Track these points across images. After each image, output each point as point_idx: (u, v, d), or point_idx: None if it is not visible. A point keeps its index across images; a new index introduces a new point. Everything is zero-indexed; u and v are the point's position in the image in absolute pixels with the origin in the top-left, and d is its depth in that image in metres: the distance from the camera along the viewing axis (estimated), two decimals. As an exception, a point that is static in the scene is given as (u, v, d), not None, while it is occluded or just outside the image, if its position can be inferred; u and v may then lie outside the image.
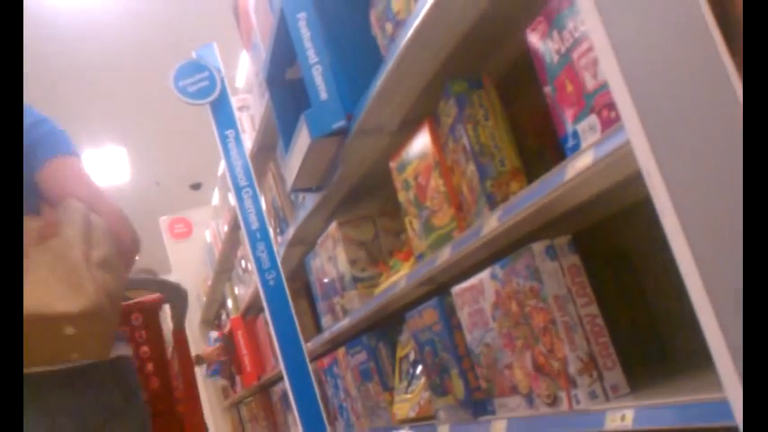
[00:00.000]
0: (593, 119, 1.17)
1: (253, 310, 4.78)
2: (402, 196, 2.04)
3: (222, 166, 3.68)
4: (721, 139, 0.94)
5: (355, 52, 2.12)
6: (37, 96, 7.76)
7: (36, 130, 1.71)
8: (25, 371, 1.56)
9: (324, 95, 2.15)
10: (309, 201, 2.79)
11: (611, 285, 1.71)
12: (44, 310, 1.46)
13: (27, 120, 1.71)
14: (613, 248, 1.81)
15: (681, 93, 0.98)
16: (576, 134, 1.23)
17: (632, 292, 1.75)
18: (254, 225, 3.22)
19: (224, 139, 3.28)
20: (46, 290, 1.48)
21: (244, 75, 4.28)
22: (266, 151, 3.50)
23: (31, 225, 1.56)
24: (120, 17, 6.49)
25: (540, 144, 1.75)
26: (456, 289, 1.74)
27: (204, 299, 6.86)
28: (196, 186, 10.20)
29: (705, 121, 0.96)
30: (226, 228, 5.08)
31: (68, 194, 1.63)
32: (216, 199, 6.47)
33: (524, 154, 1.64)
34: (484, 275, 1.59)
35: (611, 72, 0.97)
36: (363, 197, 2.72)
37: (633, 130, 0.95)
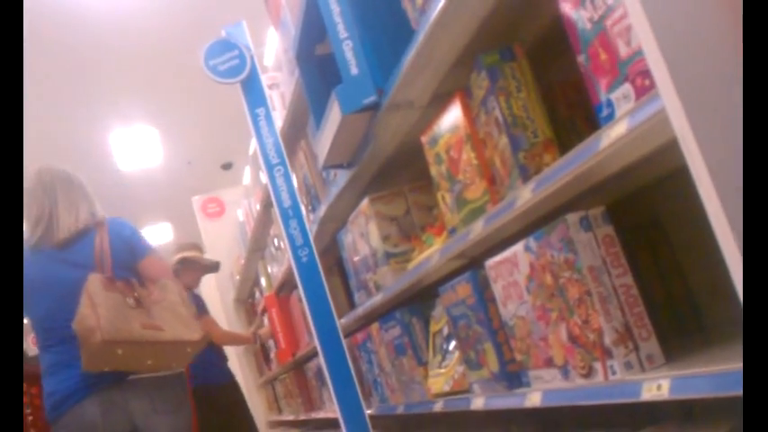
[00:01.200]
0: (627, 87, 1.16)
1: (286, 287, 4.81)
2: (434, 170, 2.03)
3: (253, 144, 3.70)
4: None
5: (385, 26, 2.12)
6: (70, 79, 7.83)
7: (133, 237, 2.85)
8: (141, 375, 2.67)
9: (354, 71, 2.15)
10: (341, 177, 2.79)
11: (645, 256, 1.70)
12: (181, 338, 2.60)
13: (126, 231, 2.85)
14: (647, 218, 1.79)
15: (715, 58, 0.97)
16: (610, 103, 1.22)
17: (667, 263, 1.74)
18: (287, 203, 3.23)
19: (255, 117, 3.29)
20: (176, 328, 2.61)
21: (272, 52, 4.28)
22: (297, 129, 3.51)
23: (142, 292, 2.66)
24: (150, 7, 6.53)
25: (572, 114, 1.74)
26: (490, 262, 1.74)
27: (237, 277, 6.92)
28: (227, 166, 10.27)
29: (740, 87, 0.95)
30: (258, 206, 5.11)
31: (161, 276, 2.79)
32: (247, 178, 6.51)
33: (556, 125, 1.63)
34: (518, 248, 1.59)
35: (645, 38, 0.96)
36: (395, 172, 2.72)
37: (668, 97, 0.95)
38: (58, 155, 8.84)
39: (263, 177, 3.57)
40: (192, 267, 5.55)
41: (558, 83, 1.75)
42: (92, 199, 2.87)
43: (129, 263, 2.77)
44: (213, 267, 5.61)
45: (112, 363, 2.53)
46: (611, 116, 1.22)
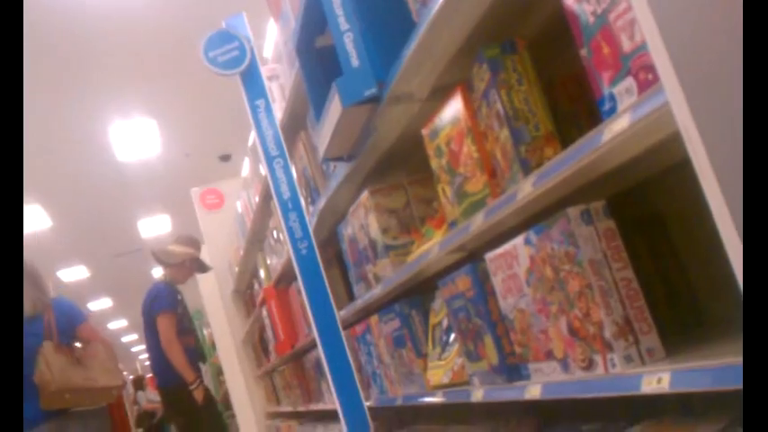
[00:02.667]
0: (629, 81, 1.16)
1: (285, 279, 4.82)
2: (434, 163, 2.04)
3: (252, 136, 3.70)
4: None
5: (387, 18, 2.11)
6: (68, 71, 7.80)
7: (71, 310, 4.17)
8: (79, 408, 3.96)
9: (355, 63, 2.15)
10: (341, 170, 2.79)
11: (646, 250, 1.70)
12: (108, 384, 3.99)
13: (66, 307, 4.16)
14: (649, 212, 1.80)
15: (719, 52, 0.97)
16: (612, 97, 1.22)
17: (668, 257, 1.75)
18: (286, 195, 3.23)
19: (254, 109, 3.28)
20: (105, 377, 3.97)
21: (272, 44, 4.28)
22: (297, 121, 3.51)
23: (80, 352, 3.99)
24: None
25: (574, 108, 1.74)
26: (490, 255, 1.74)
27: (236, 269, 6.92)
28: (225, 158, 10.27)
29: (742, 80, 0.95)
30: (257, 198, 5.11)
31: (92, 339, 4.14)
32: (246, 170, 6.50)
33: (558, 118, 1.63)
34: (518, 241, 1.59)
35: (649, 32, 0.96)
36: (395, 165, 2.72)
37: (672, 91, 0.95)
38: (56, 146, 8.86)
39: (263, 169, 3.57)
40: (194, 267, 5.63)
41: (559, 76, 1.75)
42: (40, 284, 4.09)
43: (69, 330, 4.07)
44: (207, 269, 5.84)
45: (62, 404, 3.85)
46: (613, 110, 1.22)
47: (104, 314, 20.02)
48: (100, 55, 7.23)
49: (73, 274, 15.01)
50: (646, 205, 1.81)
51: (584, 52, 1.29)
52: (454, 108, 1.84)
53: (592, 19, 1.24)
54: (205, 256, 6.37)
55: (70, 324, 4.08)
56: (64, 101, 8.02)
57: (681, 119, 0.94)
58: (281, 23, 3.47)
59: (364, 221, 2.68)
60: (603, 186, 1.61)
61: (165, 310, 5.15)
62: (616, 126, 1.17)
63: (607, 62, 1.22)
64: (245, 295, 7.44)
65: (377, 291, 2.66)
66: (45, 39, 6.70)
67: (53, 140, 8.78)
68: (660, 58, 0.95)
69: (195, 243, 5.72)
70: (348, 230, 2.95)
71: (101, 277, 15.80)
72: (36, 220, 11.24)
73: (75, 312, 4.21)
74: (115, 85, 7.94)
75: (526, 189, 1.52)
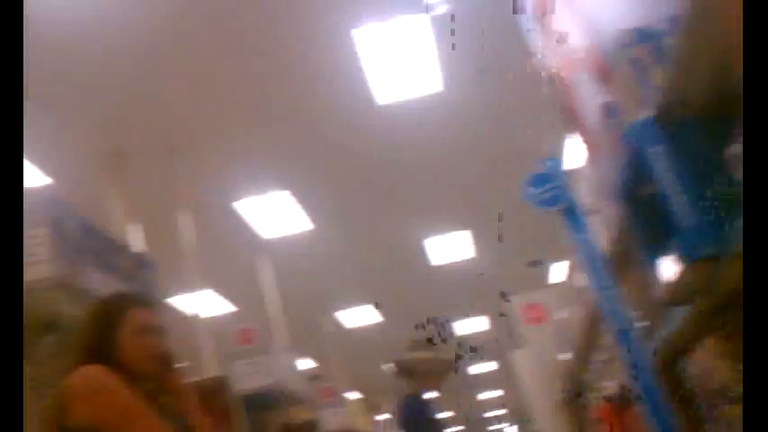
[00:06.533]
0: None
1: (618, 399, 4.73)
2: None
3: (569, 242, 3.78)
4: None
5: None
6: (391, 197, 8.62)
7: None
8: None
9: (690, 222, 2.17)
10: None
11: None
12: None
13: None
14: None
15: None
16: None
17: None
18: (617, 326, 3.26)
19: (579, 242, 3.41)
20: None
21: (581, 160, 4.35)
22: (624, 256, 3.54)
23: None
24: (460, 126, 7.20)
25: None
26: None
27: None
28: (535, 263, 10.50)
29: None
30: (582, 314, 5.11)
31: None
32: (557, 276, 6.53)
33: None
34: None
35: None
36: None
37: None
38: (380, 254, 10.15)
39: (584, 282, 3.62)
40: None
41: None
42: None
43: None
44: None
45: None
46: None
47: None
48: (417, 183, 8.12)
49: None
50: None
51: None
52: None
53: None
54: (525, 364, 6.49)
55: None
56: (387, 217, 9.15)
57: None
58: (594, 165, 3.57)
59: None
60: None
61: None
62: None
63: None
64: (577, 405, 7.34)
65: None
66: (372, 173, 7.70)
67: (384, 253, 9.98)
68: None
69: (421, 346, 4.95)
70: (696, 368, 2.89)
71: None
72: (367, 318, 13.06)
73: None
74: (431, 206, 8.83)
75: None
